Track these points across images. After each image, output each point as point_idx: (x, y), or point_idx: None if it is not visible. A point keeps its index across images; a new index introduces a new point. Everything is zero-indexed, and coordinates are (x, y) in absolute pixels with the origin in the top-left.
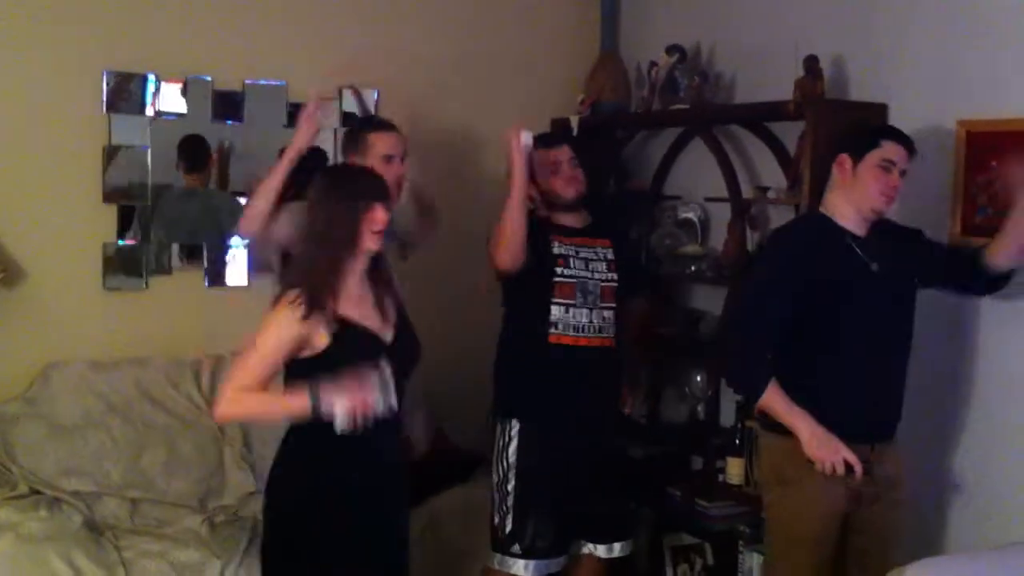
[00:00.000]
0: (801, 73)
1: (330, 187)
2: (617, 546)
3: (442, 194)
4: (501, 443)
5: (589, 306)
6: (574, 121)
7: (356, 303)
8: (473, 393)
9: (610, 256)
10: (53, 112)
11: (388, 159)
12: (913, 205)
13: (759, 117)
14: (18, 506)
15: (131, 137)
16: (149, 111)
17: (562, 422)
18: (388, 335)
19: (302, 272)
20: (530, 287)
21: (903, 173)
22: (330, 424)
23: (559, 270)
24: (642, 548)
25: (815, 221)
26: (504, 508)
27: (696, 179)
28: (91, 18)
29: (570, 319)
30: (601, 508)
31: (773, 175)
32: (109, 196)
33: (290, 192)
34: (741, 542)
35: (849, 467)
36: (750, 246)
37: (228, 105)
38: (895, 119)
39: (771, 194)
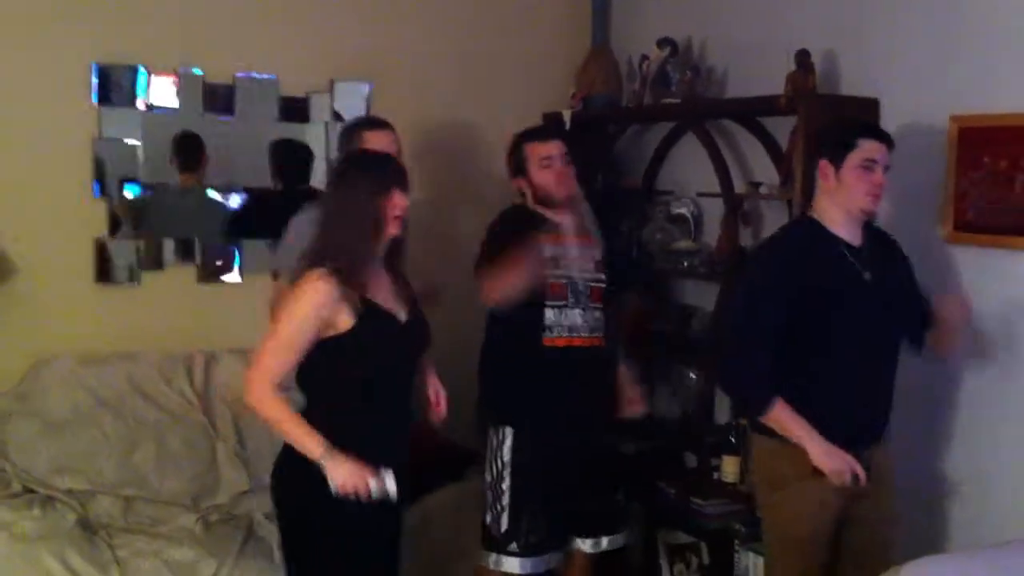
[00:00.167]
0: (793, 67)
1: (355, 173)
2: (604, 540)
3: (432, 189)
4: (495, 443)
5: (581, 307)
6: (566, 115)
7: (377, 287)
8: (466, 391)
9: (597, 256)
10: (43, 105)
11: None
12: (905, 202)
13: (751, 111)
14: (11, 505)
15: (122, 130)
16: (140, 104)
17: (553, 420)
18: (403, 316)
19: (335, 250)
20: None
21: (886, 169)
22: (334, 426)
23: (550, 271)
24: (636, 544)
25: (808, 227)
26: (499, 507)
27: (688, 174)
28: (81, 10)
29: (564, 321)
30: (590, 504)
31: (765, 170)
32: (100, 190)
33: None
34: (737, 541)
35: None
36: (743, 242)
37: (219, 98)
38: (887, 114)
39: (763, 190)
